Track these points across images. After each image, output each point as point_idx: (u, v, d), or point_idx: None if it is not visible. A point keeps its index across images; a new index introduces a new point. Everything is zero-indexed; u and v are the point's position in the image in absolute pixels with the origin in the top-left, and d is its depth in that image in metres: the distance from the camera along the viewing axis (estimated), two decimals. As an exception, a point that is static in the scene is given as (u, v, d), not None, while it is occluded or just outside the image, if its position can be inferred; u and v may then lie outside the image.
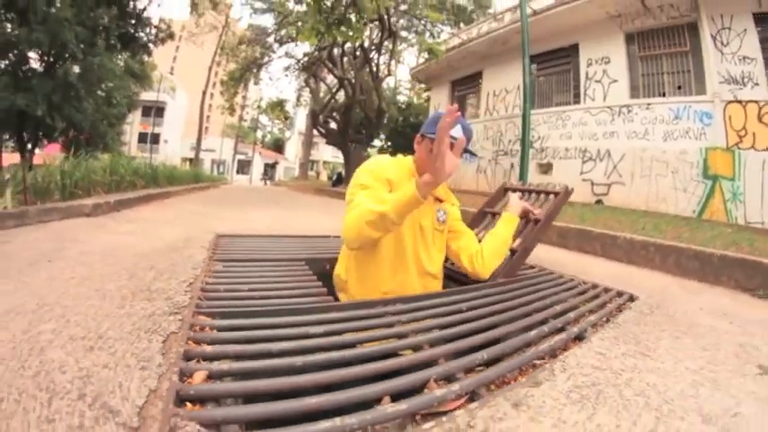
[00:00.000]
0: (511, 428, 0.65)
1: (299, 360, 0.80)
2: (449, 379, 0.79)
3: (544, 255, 2.67)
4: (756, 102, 6.67)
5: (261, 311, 1.07)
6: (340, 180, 16.45)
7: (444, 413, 0.69)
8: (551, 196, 2.06)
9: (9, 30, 8.52)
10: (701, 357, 1.13)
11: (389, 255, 1.47)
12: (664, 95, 8.11)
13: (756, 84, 6.78)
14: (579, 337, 1.11)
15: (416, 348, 0.92)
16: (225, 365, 0.77)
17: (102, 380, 0.76)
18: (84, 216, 3.61)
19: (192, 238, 2.36)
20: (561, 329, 1.13)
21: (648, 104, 8.08)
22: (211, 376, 0.74)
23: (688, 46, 7.87)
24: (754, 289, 2.25)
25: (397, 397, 0.71)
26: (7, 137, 11.73)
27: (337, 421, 0.61)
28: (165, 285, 1.34)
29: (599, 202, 8.44)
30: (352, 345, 0.92)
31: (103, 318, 1.07)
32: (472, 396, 0.76)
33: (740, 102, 6.86)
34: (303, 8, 10.36)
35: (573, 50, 9.95)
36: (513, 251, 1.84)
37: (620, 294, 1.70)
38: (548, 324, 1.16)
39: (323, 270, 1.66)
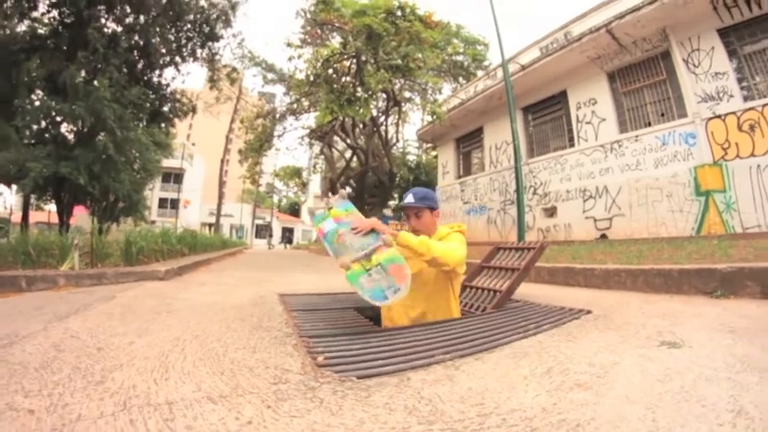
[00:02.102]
0: (472, 365, 1.36)
1: (370, 350, 1.53)
2: (447, 353, 1.49)
3: (530, 291, 3.28)
4: (734, 113, 7.08)
5: (338, 333, 1.80)
6: (359, 243, 17.27)
7: (441, 363, 1.40)
8: (531, 251, 2.77)
9: (45, 99, 9.50)
10: (614, 339, 1.66)
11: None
12: (649, 125, 8.58)
13: (731, 96, 7.19)
14: (529, 336, 1.79)
15: (429, 344, 1.62)
16: (331, 354, 1.50)
17: (272, 362, 1.44)
18: (157, 279, 4.28)
19: (264, 296, 3.16)
20: (519, 333, 1.82)
21: (636, 136, 8.59)
22: (326, 357, 1.46)
23: (664, 74, 8.41)
24: (711, 292, 2.69)
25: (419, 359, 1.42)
26: (35, 197, 12.68)
27: (396, 366, 1.33)
28: (270, 324, 2.09)
29: (603, 236, 8.75)
30: (395, 345, 1.63)
31: (246, 340, 1.78)
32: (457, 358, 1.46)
33: (719, 116, 7.28)
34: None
35: (562, 97, 10.63)
36: (499, 291, 2.54)
37: (579, 311, 2.31)
38: (513, 331, 1.84)
39: (369, 314, 2.35)
